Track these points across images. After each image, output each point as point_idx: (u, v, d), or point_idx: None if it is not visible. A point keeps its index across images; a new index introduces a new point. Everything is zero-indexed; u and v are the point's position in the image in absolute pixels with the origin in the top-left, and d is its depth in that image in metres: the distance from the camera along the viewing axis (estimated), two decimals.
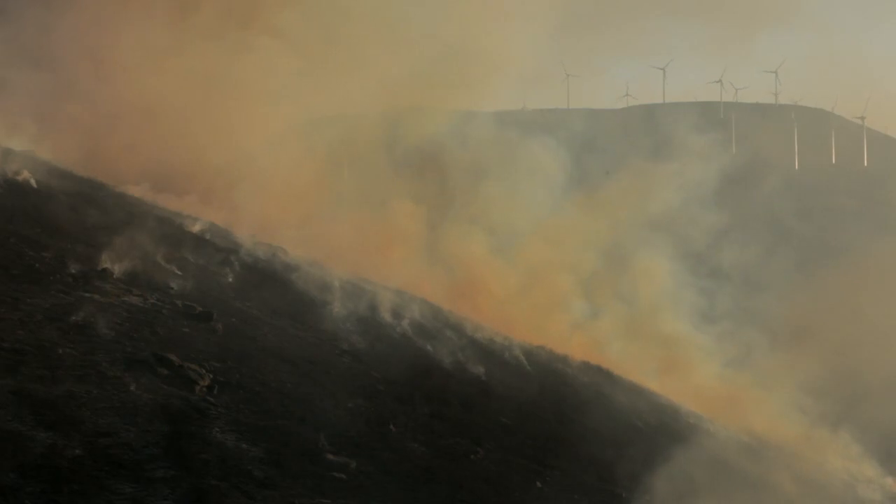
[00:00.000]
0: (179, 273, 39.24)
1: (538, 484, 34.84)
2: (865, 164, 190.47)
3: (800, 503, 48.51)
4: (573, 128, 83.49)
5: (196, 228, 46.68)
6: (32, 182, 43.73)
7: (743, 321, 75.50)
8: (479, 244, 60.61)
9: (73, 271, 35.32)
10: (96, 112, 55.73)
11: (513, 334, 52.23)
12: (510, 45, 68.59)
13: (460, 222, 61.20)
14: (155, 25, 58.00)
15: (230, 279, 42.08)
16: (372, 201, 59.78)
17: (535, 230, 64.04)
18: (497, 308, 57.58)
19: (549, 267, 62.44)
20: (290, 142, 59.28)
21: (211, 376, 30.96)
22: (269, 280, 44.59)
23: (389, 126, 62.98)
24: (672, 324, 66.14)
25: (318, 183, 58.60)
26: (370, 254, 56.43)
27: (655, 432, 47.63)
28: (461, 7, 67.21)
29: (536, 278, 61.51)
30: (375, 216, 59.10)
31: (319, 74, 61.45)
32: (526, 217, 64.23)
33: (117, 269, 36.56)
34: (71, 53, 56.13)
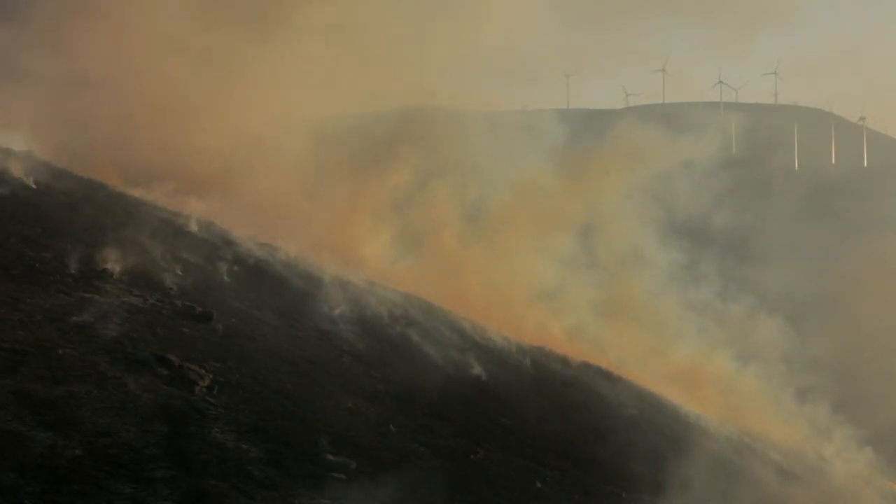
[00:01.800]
0: (179, 273, 39.25)
1: (538, 484, 34.84)
2: (865, 164, 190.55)
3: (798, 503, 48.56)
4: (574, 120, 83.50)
5: (196, 228, 46.67)
6: (32, 182, 43.74)
7: (740, 313, 75.72)
8: (456, 222, 60.44)
9: (72, 271, 35.32)
10: (99, 106, 55.68)
11: (488, 322, 52.18)
12: (510, 46, 68.60)
13: (443, 204, 61.07)
14: (169, 17, 57.99)
15: (230, 279, 42.09)
16: (365, 196, 59.75)
17: (517, 199, 63.53)
18: (473, 296, 57.41)
19: (529, 246, 62.17)
20: (297, 138, 59.32)
21: (211, 376, 30.97)
22: (268, 280, 44.61)
23: (388, 124, 63.04)
24: (663, 306, 66.15)
25: (317, 179, 58.65)
26: (354, 244, 56.42)
27: (655, 432, 47.66)
28: (457, 7, 67.27)
29: (515, 259, 61.21)
30: (363, 205, 58.96)
31: (336, 72, 61.51)
32: (509, 181, 63.91)
33: (117, 269, 36.56)
34: (83, 47, 55.98)
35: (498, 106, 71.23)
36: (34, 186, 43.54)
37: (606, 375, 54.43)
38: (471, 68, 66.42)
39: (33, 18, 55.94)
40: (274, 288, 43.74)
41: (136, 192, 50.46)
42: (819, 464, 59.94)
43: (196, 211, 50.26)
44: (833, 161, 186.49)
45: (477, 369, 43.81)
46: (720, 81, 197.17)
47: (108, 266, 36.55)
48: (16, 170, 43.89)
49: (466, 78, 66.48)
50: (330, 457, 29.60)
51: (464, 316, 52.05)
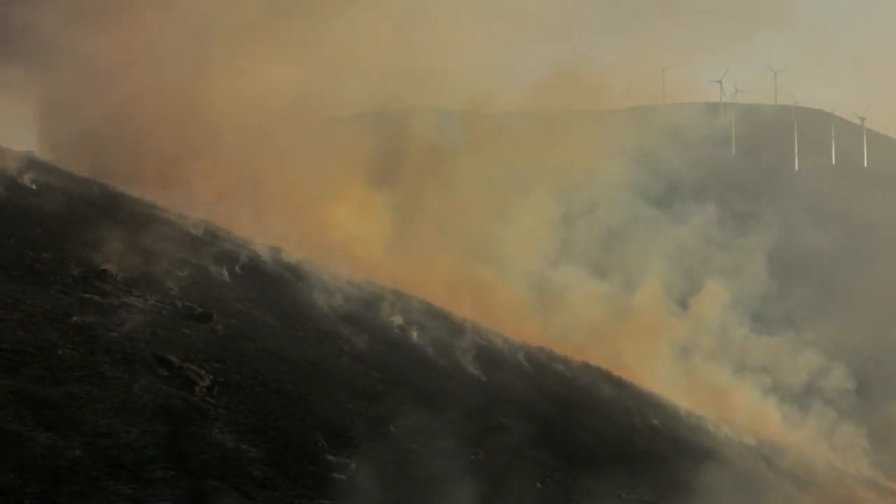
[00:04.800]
0: (179, 274, 39.25)
1: (538, 484, 34.85)
2: (865, 164, 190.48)
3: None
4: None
5: (196, 229, 46.68)
6: (32, 182, 43.75)
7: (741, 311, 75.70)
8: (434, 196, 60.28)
9: (73, 272, 35.32)
10: (100, 105, 55.64)
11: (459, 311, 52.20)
12: (510, 48, 68.59)
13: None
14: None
15: (230, 280, 42.09)
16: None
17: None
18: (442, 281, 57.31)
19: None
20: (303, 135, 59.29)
21: (211, 377, 30.96)
22: (268, 280, 44.61)
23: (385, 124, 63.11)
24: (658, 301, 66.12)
25: (316, 179, 58.64)
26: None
27: (655, 433, 47.67)
28: (454, 8, 67.30)
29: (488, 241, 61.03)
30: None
31: (343, 71, 61.47)
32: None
33: (117, 269, 36.56)
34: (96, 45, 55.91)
35: (498, 107, 71.22)
36: (34, 187, 43.55)
37: (606, 376, 54.47)
38: (471, 69, 66.38)
39: (46, 15, 55.88)
40: (274, 288, 43.75)
41: (136, 193, 50.48)
42: (823, 466, 60.00)
43: (196, 211, 50.27)
44: (833, 161, 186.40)
45: (477, 369, 43.82)
46: (720, 81, 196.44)
47: (108, 267, 36.55)
48: (16, 170, 43.91)
49: (467, 79, 66.43)
50: (330, 457, 29.59)
51: (465, 317, 52.10)
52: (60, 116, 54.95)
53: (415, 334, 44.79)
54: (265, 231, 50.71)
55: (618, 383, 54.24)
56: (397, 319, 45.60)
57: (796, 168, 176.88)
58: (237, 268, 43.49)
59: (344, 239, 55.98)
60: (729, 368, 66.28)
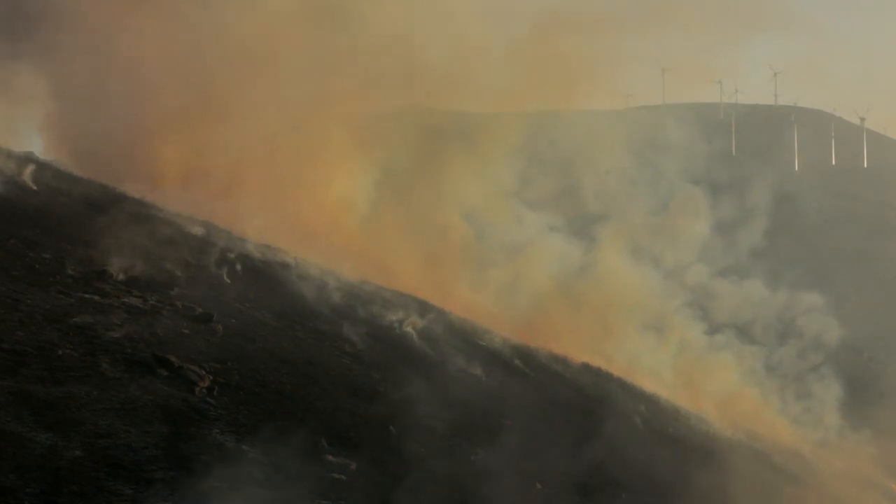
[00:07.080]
0: (179, 274, 39.25)
1: (538, 485, 34.85)
2: (865, 164, 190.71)
3: None
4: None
5: (196, 229, 46.70)
6: (32, 183, 43.76)
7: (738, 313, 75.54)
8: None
9: (72, 273, 35.32)
10: (99, 105, 55.60)
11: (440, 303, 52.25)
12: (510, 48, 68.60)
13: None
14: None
15: (230, 280, 42.10)
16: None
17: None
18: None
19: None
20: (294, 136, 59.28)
21: (211, 377, 30.95)
22: (269, 281, 44.62)
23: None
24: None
25: (316, 178, 58.68)
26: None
27: (656, 433, 47.69)
28: (459, 8, 67.31)
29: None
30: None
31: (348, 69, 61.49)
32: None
33: (117, 270, 36.56)
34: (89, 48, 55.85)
35: (499, 107, 71.30)
36: (34, 187, 43.56)
37: (606, 377, 54.51)
38: (473, 71, 66.42)
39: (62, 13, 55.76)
40: (274, 288, 43.75)
41: (136, 193, 50.51)
42: (818, 465, 59.99)
43: (196, 211, 50.29)
44: (833, 162, 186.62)
45: (477, 370, 43.83)
46: (720, 81, 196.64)
47: (108, 267, 36.55)
48: (16, 170, 43.92)
49: (468, 80, 66.47)
50: (330, 458, 29.59)
51: (465, 318, 52.13)
52: (69, 115, 54.95)
53: (415, 334, 44.80)
54: (264, 226, 50.73)
55: (618, 383, 54.27)
56: (397, 318, 45.61)
57: (796, 168, 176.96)
58: (237, 268, 43.50)
59: (336, 220, 56.08)
60: (703, 325, 66.20)
